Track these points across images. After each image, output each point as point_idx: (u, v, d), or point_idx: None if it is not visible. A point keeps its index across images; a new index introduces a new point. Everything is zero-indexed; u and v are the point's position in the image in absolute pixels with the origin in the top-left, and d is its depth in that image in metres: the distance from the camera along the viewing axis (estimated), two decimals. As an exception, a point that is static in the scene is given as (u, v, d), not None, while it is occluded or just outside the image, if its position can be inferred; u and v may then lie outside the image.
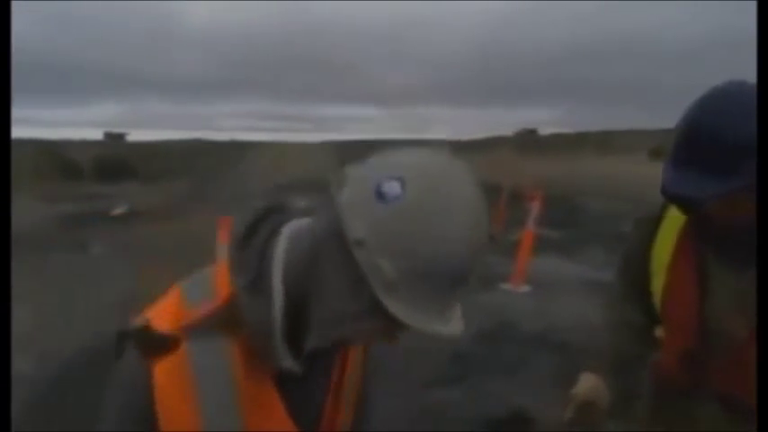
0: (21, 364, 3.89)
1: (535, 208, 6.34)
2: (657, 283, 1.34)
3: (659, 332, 1.40)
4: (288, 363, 0.68)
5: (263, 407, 0.70)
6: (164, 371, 0.66)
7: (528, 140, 32.40)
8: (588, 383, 1.41)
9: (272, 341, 0.67)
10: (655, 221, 1.38)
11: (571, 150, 28.25)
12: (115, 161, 23.02)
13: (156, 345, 0.67)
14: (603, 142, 30.09)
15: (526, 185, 9.96)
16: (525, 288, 5.72)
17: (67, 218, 11.16)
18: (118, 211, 12.22)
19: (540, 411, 3.08)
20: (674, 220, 1.33)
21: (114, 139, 27.81)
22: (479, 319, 4.50)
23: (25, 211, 12.08)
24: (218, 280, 0.71)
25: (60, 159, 22.95)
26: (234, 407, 0.68)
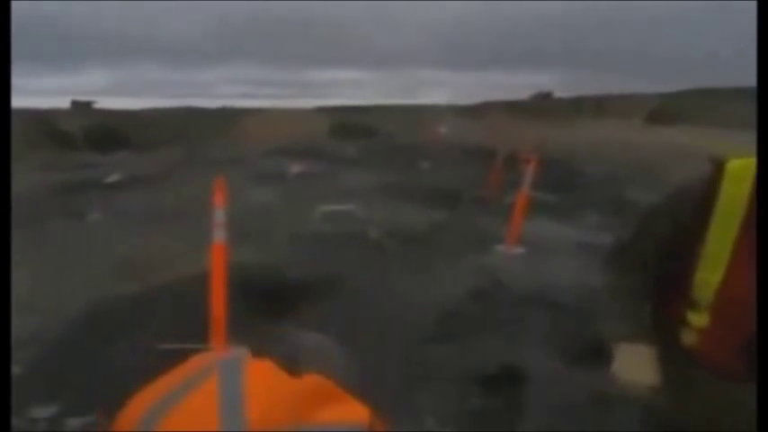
0: (21, 329, 3.95)
1: (530, 170, 6.35)
2: (712, 275, 1.26)
3: (697, 320, 1.33)
4: None
5: None
6: None
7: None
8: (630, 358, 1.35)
9: None
10: (699, 204, 1.26)
11: (567, 115, 28.05)
12: (108, 129, 22.73)
13: None
14: (599, 107, 29.86)
15: (522, 149, 9.96)
16: (519, 250, 5.78)
17: (63, 186, 11.09)
18: (112, 178, 12.16)
19: (532, 368, 3.15)
20: (731, 209, 1.23)
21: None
22: (472, 279, 4.57)
23: (21, 179, 12.00)
24: None
25: (52, 128, 22.62)
26: None
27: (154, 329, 3.72)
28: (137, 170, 13.14)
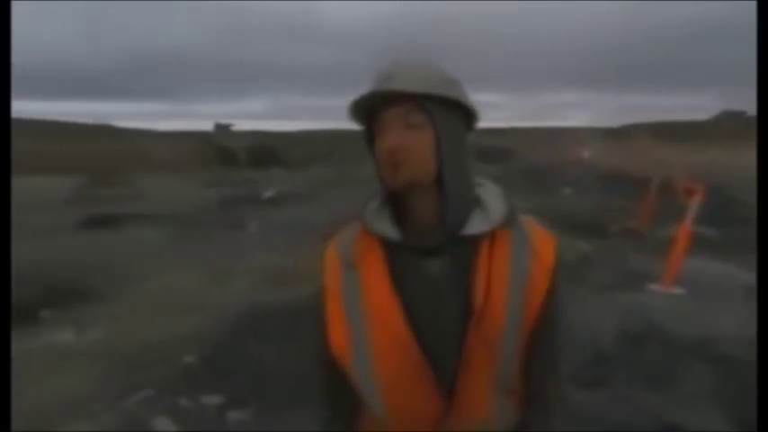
0: (193, 325, 4.49)
1: (695, 202, 5.73)
2: None
3: None
4: (387, 229, 0.93)
5: (370, 270, 0.93)
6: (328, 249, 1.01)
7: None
8: None
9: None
10: None
11: (722, 138, 24.82)
12: (266, 149, 25.19)
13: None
14: None
15: (677, 177, 9.06)
16: (678, 290, 5.23)
17: (226, 200, 12.49)
18: (268, 194, 13.44)
19: None
20: None
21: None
22: (624, 319, 4.22)
23: (191, 194, 13.82)
24: None
25: (218, 149, 25.68)
26: (352, 267, 0.95)
27: (304, 337, 4.00)
28: (290, 187, 14.36)
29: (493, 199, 0.96)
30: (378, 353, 0.92)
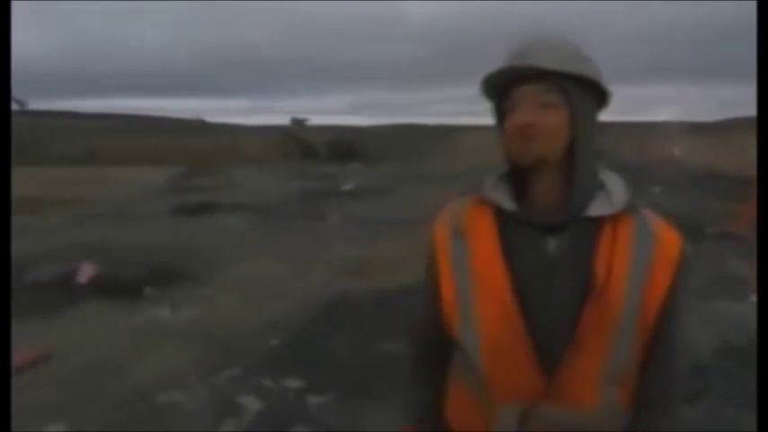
0: (279, 311, 4.69)
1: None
2: None
3: None
4: (504, 201, 0.94)
5: (480, 237, 0.95)
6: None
7: None
8: None
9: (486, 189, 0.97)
10: None
11: None
12: (344, 144, 25.81)
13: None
14: None
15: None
16: (787, 303, 4.75)
17: (307, 192, 12.94)
18: (347, 186, 13.78)
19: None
20: None
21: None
22: (723, 330, 3.91)
23: (273, 186, 14.44)
24: None
25: (299, 142, 26.61)
26: (463, 238, 0.97)
27: (380, 328, 4.07)
28: (366, 181, 14.63)
29: (616, 185, 0.95)
30: (483, 320, 0.93)
